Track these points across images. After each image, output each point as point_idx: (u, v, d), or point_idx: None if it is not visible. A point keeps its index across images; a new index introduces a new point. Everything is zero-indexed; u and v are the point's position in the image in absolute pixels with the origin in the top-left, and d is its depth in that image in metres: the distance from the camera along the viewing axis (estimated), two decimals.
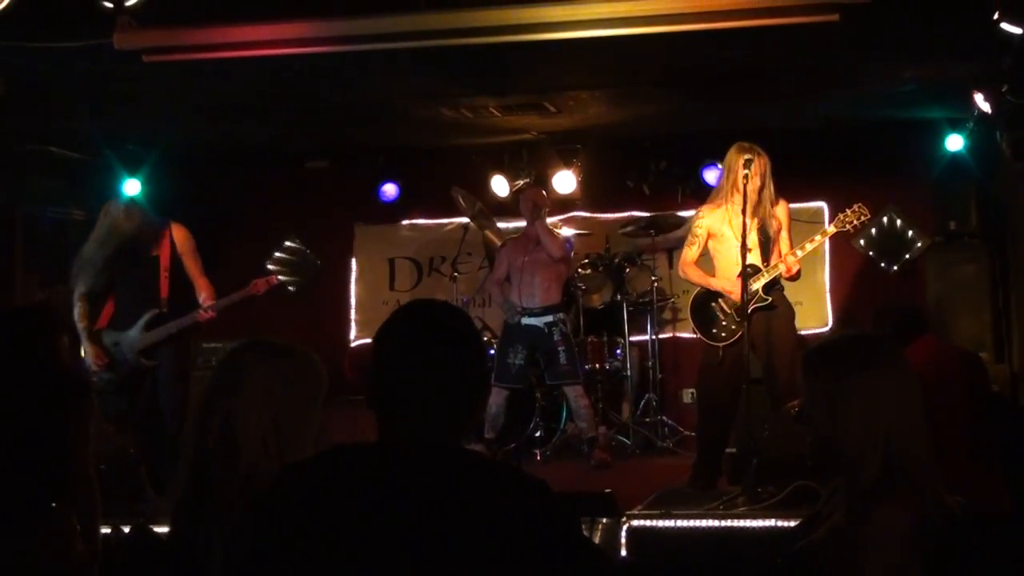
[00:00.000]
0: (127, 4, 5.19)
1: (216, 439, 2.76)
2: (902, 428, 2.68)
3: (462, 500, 2.06)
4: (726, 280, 6.73)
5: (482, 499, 2.06)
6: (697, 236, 6.88)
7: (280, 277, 10.47)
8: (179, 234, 7.23)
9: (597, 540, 5.11)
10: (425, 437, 2.16)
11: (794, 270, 6.70)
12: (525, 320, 8.37)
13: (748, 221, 6.41)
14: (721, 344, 6.71)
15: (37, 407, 3.99)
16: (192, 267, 7.16)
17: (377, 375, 2.22)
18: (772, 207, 6.73)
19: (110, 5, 5.19)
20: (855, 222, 6.76)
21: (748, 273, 6.50)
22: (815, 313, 9.79)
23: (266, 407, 2.77)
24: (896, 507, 2.60)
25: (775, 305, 6.69)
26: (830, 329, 9.81)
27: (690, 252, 6.93)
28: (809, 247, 6.75)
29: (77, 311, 7.15)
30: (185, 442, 2.88)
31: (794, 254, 6.69)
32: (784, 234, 6.81)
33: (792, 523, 5.16)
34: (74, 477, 4.02)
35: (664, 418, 9.25)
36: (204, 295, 7.10)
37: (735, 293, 6.58)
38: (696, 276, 6.94)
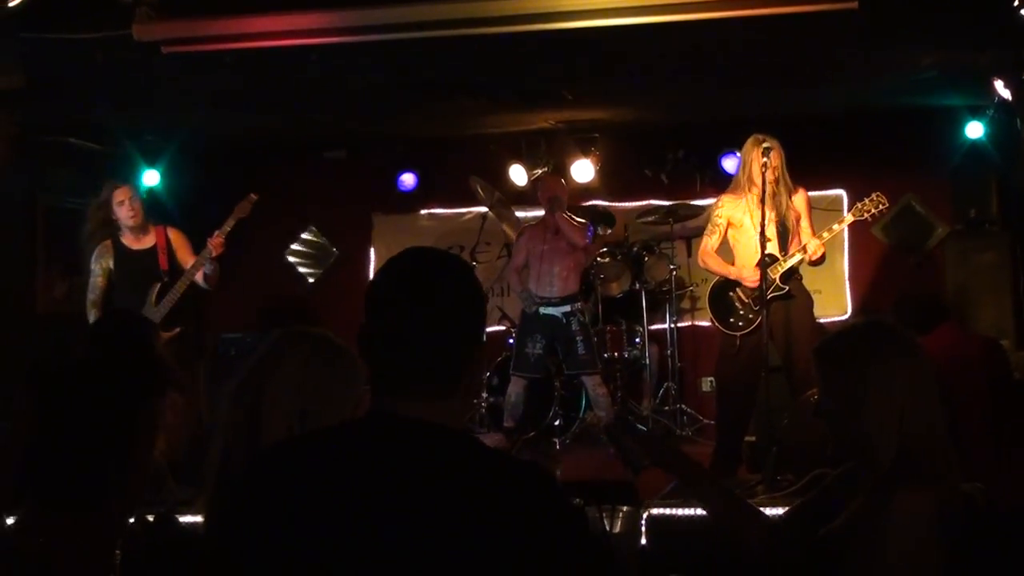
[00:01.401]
0: None
1: (242, 424, 2.75)
2: (917, 415, 2.69)
3: (454, 486, 1.92)
4: (744, 268, 6.74)
5: (476, 486, 1.93)
6: (717, 226, 6.89)
7: (301, 269, 10.56)
8: (175, 234, 7.41)
9: (618, 529, 5.10)
10: (417, 399, 2.02)
11: (818, 254, 6.70)
12: (543, 309, 8.38)
13: (766, 212, 6.41)
14: (739, 333, 6.71)
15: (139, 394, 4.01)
16: (187, 259, 7.31)
17: (366, 326, 2.08)
18: (790, 197, 6.73)
19: None
20: (873, 211, 6.75)
21: (766, 262, 6.50)
22: (834, 301, 9.78)
23: (296, 395, 2.73)
24: (915, 494, 2.60)
25: (793, 294, 6.69)
26: (849, 317, 9.80)
27: (710, 241, 6.94)
28: (827, 236, 6.74)
29: (92, 315, 7.31)
30: (217, 428, 2.86)
31: (820, 238, 6.67)
32: (804, 223, 6.80)
33: None
34: (137, 464, 4.00)
35: (683, 406, 9.25)
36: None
37: (753, 280, 6.58)
38: (715, 264, 6.95)
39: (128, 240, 7.34)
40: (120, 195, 7.28)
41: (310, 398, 2.76)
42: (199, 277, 7.20)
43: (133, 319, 4.56)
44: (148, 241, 7.32)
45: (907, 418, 2.67)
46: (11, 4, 5.22)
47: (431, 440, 1.99)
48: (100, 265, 7.32)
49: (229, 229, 7.27)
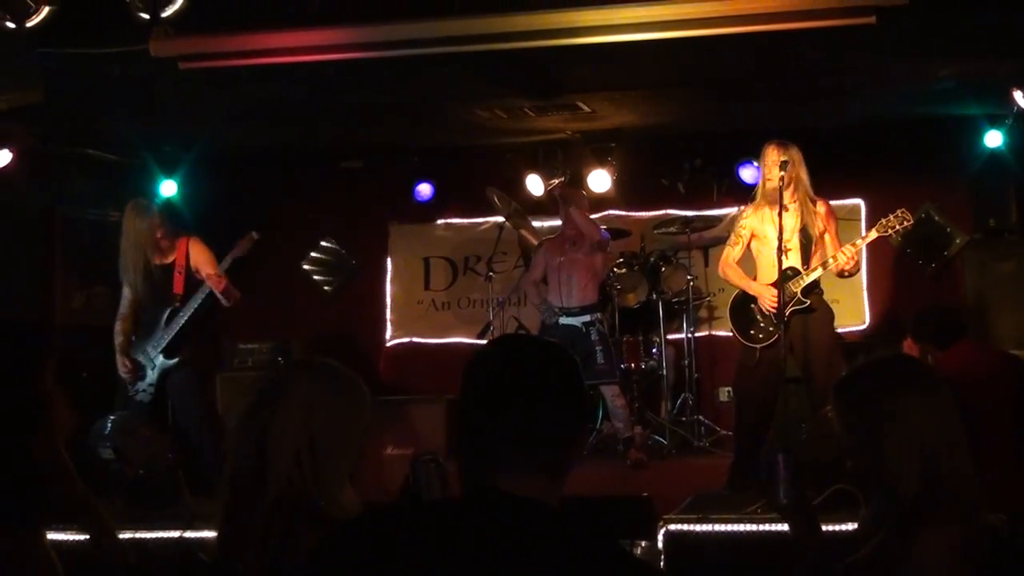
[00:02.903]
0: (164, 16, 5.21)
1: (251, 451, 2.73)
2: (939, 450, 2.66)
3: (552, 571, 1.87)
4: (763, 287, 6.69)
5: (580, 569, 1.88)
6: (740, 236, 6.85)
7: (318, 277, 10.56)
8: (196, 248, 7.27)
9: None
10: (519, 488, 1.97)
11: (848, 266, 6.63)
12: (563, 320, 8.38)
13: (788, 222, 6.38)
14: (758, 346, 6.68)
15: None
16: (208, 274, 7.17)
17: (464, 417, 2.06)
18: (813, 206, 6.68)
19: (147, 17, 5.21)
20: (898, 226, 6.69)
21: (788, 276, 6.47)
22: (852, 311, 9.73)
23: (304, 425, 2.72)
24: (940, 531, 2.58)
25: (813, 308, 6.64)
26: (867, 326, 9.76)
27: (732, 252, 6.90)
28: (851, 251, 6.67)
29: (117, 327, 7.27)
30: (226, 457, 2.86)
31: (845, 253, 6.60)
32: (829, 236, 6.74)
33: (831, 527, 5.20)
34: (65, 500, 3.91)
35: (701, 417, 9.22)
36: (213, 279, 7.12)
37: (772, 300, 6.53)
38: (735, 277, 6.92)
39: (154, 255, 7.29)
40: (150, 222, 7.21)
41: (318, 426, 2.75)
42: (213, 286, 7.14)
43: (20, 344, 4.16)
44: (170, 257, 7.25)
45: (929, 455, 2.64)
46: (30, 24, 5.23)
47: (537, 524, 1.95)
48: (129, 278, 7.27)
49: (226, 267, 7.18)
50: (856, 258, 6.69)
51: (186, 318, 7.10)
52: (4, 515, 3.79)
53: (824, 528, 5.18)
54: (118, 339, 7.22)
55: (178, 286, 7.13)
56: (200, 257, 7.23)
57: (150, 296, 7.18)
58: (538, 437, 2.01)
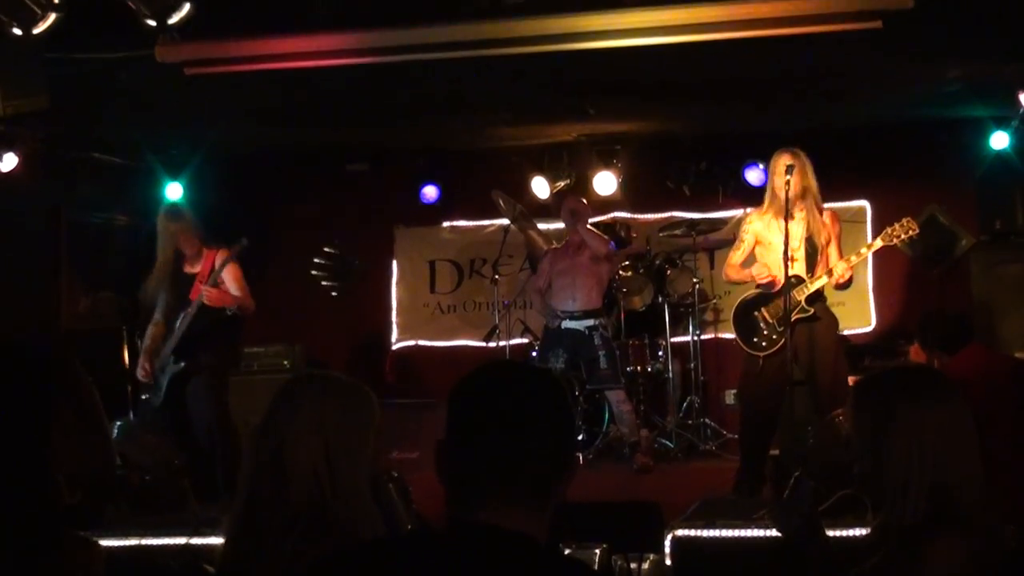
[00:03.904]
0: (170, 23, 5.20)
1: (267, 469, 2.75)
2: (950, 463, 2.64)
3: None
4: (764, 267, 6.66)
5: None
6: (744, 241, 6.85)
7: (324, 282, 10.55)
8: (222, 259, 7.22)
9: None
10: (504, 521, 1.93)
11: (845, 278, 6.64)
12: (566, 323, 8.38)
13: (795, 231, 6.37)
14: (762, 354, 6.67)
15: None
16: (232, 288, 7.20)
17: (449, 446, 2.02)
18: (820, 215, 6.67)
19: (153, 23, 5.20)
20: (903, 235, 6.68)
21: (792, 284, 6.46)
22: (858, 313, 9.73)
23: (317, 437, 2.73)
24: (948, 541, 2.57)
25: (818, 316, 6.64)
26: (873, 329, 9.75)
27: (735, 256, 6.90)
28: (855, 259, 6.68)
29: (150, 330, 7.34)
30: (240, 475, 2.86)
31: (847, 261, 6.60)
32: (833, 246, 6.73)
33: (837, 532, 5.19)
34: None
35: (707, 420, 9.21)
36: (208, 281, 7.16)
37: (776, 278, 6.51)
38: (736, 274, 6.94)
39: (185, 263, 7.34)
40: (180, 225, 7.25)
41: (332, 437, 2.76)
42: (205, 299, 7.14)
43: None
44: (197, 266, 7.27)
45: (940, 466, 2.63)
46: (37, 30, 5.22)
47: (523, 559, 1.91)
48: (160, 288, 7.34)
49: (220, 273, 7.18)
50: (851, 270, 6.69)
51: (190, 321, 7.11)
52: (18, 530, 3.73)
53: (830, 533, 5.21)
54: (146, 342, 7.31)
55: (195, 294, 7.14)
56: (231, 276, 7.24)
57: (175, 302, 7.20)
58: (519, 468, 1.96)
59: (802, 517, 2.98)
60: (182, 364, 7.13)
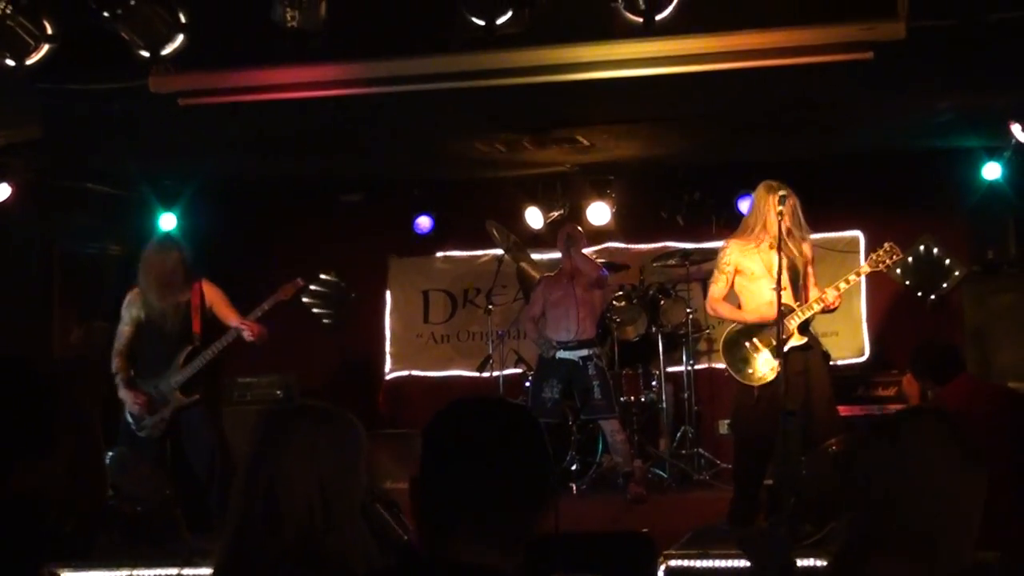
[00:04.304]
0: (163, 54, 5.22)
1: (259, 504, 2.73)
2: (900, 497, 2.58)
3: None
4: (760, 307, 6.67)
5: None
6: (724, 272, 6.81)
7: (316, 310, 10.52)
8: (209, 289, 7.21)
9: None
10: (476, 558, 1.94)
11: (835, 305, 6.66)
12: (560, 354, 8.37)
13: (776, 259, 6.36)
14: (756, 384, 6.65)
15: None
16: (224, 312, 7.16)
17: (423, 482, 2.03)
18: (801, 244, 6.68)
19: (146, 55, 5.22)
20: (888, 261, 6.70)
21: (784, 313, 6.45)
22: (851, 343, 9.74)
23: (311, 471, 2.71)
24: (889, 562, 2.51)
25: (810, 344, 6.64)
26: (867, 359, 9.75)
27: (717, 288, 6.86)
28: (844, 286, 6.68)
29: (116, 363, 7.18)
30: (230, 509, 2.84)
31: (837, 289, 6.62)
32: (810, 269, 6.77)
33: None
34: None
35: (700, 450, 9.21)
36: (236, 321, 7.09)
37: (771, 316, 6.50)
38: (727, 312, 6.89)
39: (173, 293, 7.19)
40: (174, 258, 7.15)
41: (326, 471, 2.74)
42: (246, 335, 7.10)
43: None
44: (186, 296, 7.15)
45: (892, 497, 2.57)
46: (30, 61, 5.24)
47: None
48: (129, 313, 7.21)
49: (268, 308, 7.19)
50: (841, 297, 6.70)
51: (208, 359, 7.08)
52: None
53: (824, 563, 5.20)
54: (120, 375, 7.12)
55: (197, 326, 7.09)
56: (216, 297, 7.20)
57: (161, 333, 7.13)
58: (493, 504, 1.97)
59: (777, 568, 2.95)
60: (195, 397, 7.08)
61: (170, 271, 7.09)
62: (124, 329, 7.22)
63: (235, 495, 2.81)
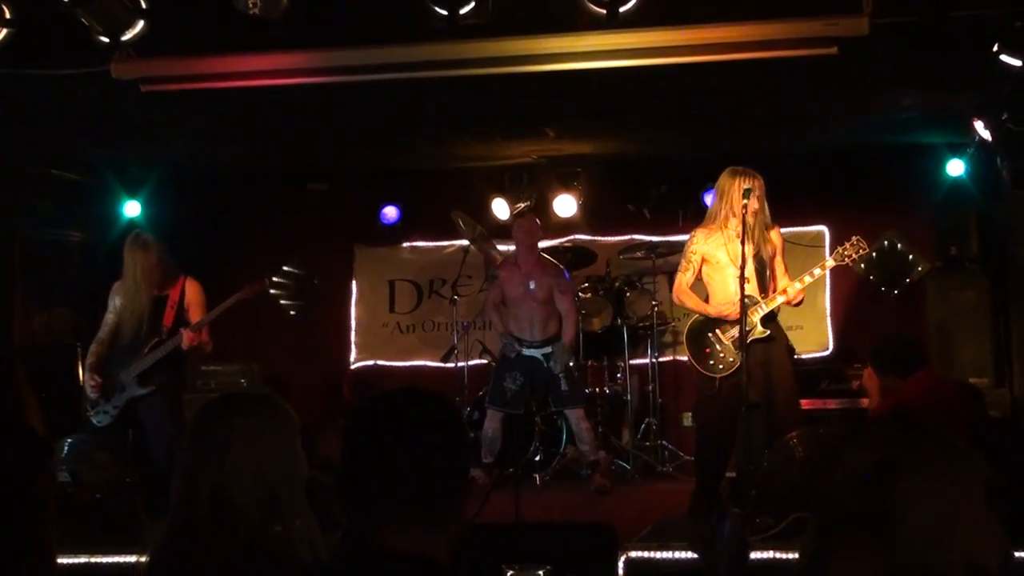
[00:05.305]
0: (123, 39, 5.18)
1: (209, 507, 2.69)
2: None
3: None
4: (722, 305, 6.67)
5: None
6: (691, 262, 6.81)
7: (282, 301, 10.45)
8: (191, 289, 7.23)
9: None
10: (400, 544, 1.99)
11: (798, 299, 6.67)
12: (525, 351, 8.37)
13: (744, 250, 6.36)
14: (718, 376, 6.66)
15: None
16: (193, 315, 7.16)
17: (346, 469, 2.09)
18: (767, 233, 6.68)
19: (106, 40, 5.17)
20: (853, 255, 6.74)
21: (746, 304, 6.45)
22: (815, 337, 9.80)
23: (255, 463, 2.69)
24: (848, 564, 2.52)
25: (773, 336, 6.65)
26: (831, 353, 9.81)
27: (683, 278, 6.85)
28: (808, 280, 6.70)
29: (93, 348, 7.20)
30: (171, 506, 2.80)
31: (801, 282, 6.63)
32: (779, 259, 6.77)
33: (791, 555, 5.19)
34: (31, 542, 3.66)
35: (664, 442, 9.23)
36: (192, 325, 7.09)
37: (734, 314, 6.52)
38: (691, 302, 6.88)
39: (152, 288, 7.20)
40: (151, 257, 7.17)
41: (269, 465, 2.73)
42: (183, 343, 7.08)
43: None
44: (165, 290, 7.20)
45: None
46: None
47: None
48: (113, 303, 7.24)
49: (229, 305, 7.21)
50: (804, 291, 6.72)
51: (167, 352, 7.06)
52: None
53: (784, 556, 5.22)
54: (91, 359, 7.16)
55: (168, 320, 7.09)
56: (194, 299, 7.21)
57: (136, 325, 7.12)
58: (414, 488, 2.04)
59: (729, 558, 2.96)
60: (151, 388, 7.05)
61: (151, 266, 7.13)
62: (109, 318, 7.25)
63: (176, 496, 2.77)
